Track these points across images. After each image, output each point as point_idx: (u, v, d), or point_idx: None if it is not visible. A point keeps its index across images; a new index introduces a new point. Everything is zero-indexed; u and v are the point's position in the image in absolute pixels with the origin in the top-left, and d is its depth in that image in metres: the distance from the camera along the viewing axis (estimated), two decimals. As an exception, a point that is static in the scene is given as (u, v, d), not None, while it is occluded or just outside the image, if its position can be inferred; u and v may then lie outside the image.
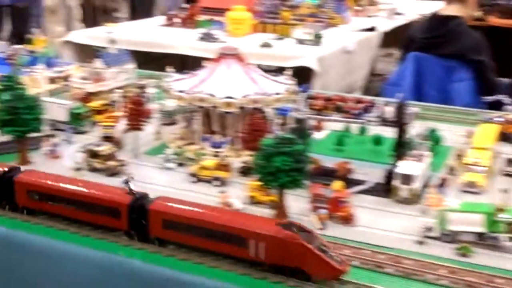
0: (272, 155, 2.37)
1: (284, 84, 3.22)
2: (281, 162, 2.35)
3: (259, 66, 3.35)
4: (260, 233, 2.07)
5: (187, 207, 2.24)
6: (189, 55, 6.20)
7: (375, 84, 6.74)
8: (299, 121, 2.79)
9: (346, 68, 6.01)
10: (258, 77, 3.17)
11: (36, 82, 4.28)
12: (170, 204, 2.26)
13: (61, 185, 2.41)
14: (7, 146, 3.11)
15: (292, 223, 2.13)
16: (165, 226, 2.23)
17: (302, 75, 5.86)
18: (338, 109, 2.78)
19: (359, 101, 2.83)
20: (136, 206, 2.27)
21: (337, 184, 2.53)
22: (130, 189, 2.31)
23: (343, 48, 5.94)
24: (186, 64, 6.83)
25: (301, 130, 2.74)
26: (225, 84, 3.05)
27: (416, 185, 2.64)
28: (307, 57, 5.41)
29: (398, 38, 6.64)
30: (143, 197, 2.31)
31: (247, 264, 2.13)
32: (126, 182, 2.33)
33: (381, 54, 7.05)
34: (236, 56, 3.18)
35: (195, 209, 2.23)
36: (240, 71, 3.14)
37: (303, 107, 2.80)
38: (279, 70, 3.55)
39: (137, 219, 2.27)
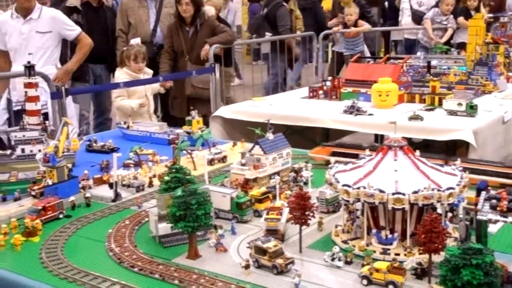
0: (459, 267, 2.20)
1: (455, 176, 3.04)
2: (470, 276, 2.18)
3: None
4: None
5: None
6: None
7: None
8: (479, 224, 2.59)
9: (503, 140, 5.65)
10: (428, 169, 3.02)
11: (194, 165, 4.46)
12: None
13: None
14: (175, 238, 3.21)
15: None
16: None
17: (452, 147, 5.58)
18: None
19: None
20: None
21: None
22: None
23: (500, 118, 5.60)
24: (329, 135, 6.82)
25: (481, 235, 2.54)
26: (393, 179, 2.93)
27: None
28: (462, 130, 5.14)
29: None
30: None
31: None
32: None
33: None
34: (403, 148, 3.07)
35: None
36: (408, 163, 3.02)
37: (484, 208, 2.60)
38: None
39: None
